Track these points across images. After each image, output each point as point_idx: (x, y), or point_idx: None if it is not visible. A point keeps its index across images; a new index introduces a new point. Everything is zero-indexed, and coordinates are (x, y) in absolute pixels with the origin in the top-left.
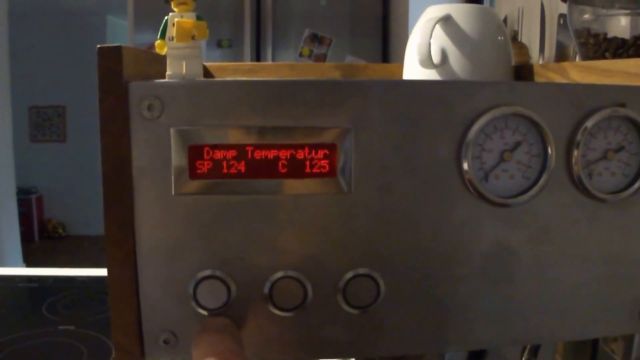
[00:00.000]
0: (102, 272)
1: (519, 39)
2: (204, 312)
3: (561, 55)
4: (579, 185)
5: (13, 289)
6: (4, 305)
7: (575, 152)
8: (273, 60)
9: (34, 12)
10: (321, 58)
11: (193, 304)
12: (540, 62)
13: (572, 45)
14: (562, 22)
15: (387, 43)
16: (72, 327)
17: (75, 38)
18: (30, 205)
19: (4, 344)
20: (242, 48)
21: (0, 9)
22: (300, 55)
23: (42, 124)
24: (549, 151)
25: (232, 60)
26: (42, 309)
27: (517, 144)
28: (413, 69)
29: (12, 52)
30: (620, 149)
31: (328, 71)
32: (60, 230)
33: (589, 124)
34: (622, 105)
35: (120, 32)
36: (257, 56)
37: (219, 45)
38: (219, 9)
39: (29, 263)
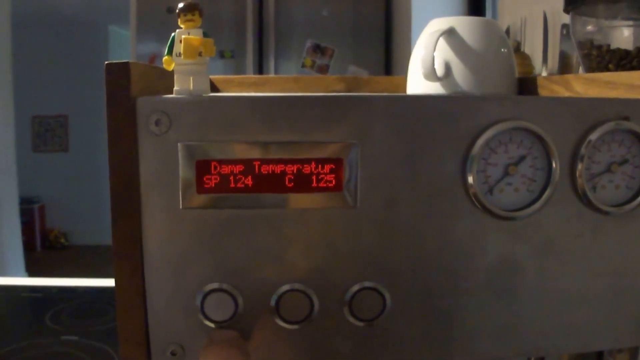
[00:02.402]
0: (106, 282)
1: (522, 50)
2: (211, 325)
3: (564, 65)
4: (583, 198)
5: (16, 299)
6: (7, 315)
7: (580, 166)
8: (275, 70)
9: (36, 22)
10: (324, 69)
11: (200, 316)
12: (544, 72)
13: (576, 55)
14: (564, 32)
15: (389, 53)
16: (75, 338)
17: (78, 48)
18: (33, 215)
19: (7, 354)
20: (244, 59)
21: (4, 19)
22: (303, 65)
23: (44, 134)
24: (553, 165)
25: (235, 71)
26: (46, 319)
27: (522, 158)
28: (417, 82)
29: (15, 62)
30: (624, 161)
31: (332, 84)
32: (63, 240)
33: (592, 137)
34: (626, 118)
35: (123, 42)
36: (260, 67)
37: (222, 55)
38: (222, 19)
39: (31, 273)
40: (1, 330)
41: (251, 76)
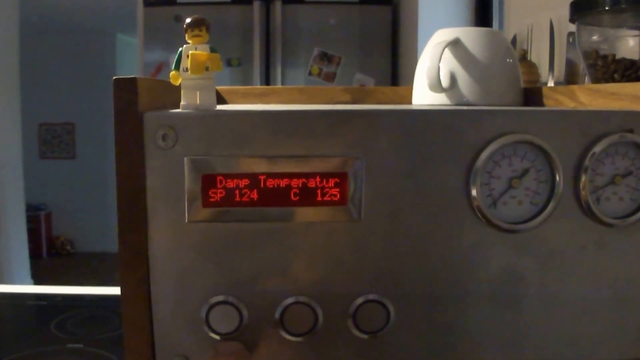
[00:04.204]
0: (111, 290)
1: (529, 58)
2: (216, 337)
3: (571, 73)
4: (586, 210)
5: (22, 307)
6: (13, 323)
7: (583, 178)
8: (282, 78)
9: (44, 30)
10: (331, 76)
11: (205, 328)
12: (550, 80)
13: (582, 64)
14: (571, 40)
15: (396, 61)
16: (80, 346)
17: (86, 56)
18: (39, 222)
19: None
20: (251, 66)
21: (12, 27)
22: (310, 73)
23: (51, 141)
24: (557, 177)
25: (242, 79)
26: (51, 327)
27: (525, 171)
28: (422, 93)
29: (23, 69)
30: (627, 174)
31: (338, 95)
32: (69, 247)
33: (596, 149)
34: (630, 130)
35: (130, 50)
36: (267, 75)
37: (229, 63)
38: (229, 27)
39: (37, 280)
40: (7, 338)
41: (257, 87)
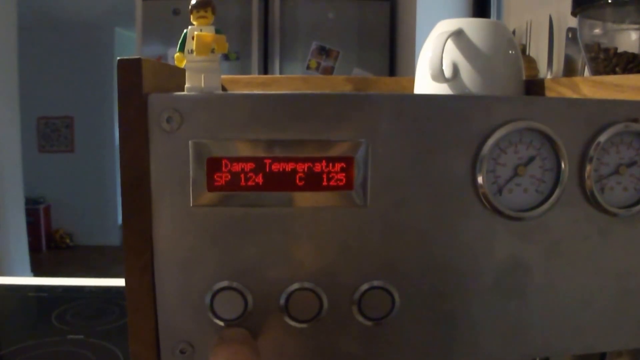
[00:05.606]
0: (111, 282)
1: (527, 53)
2: (221, 323)
3: (569, 69)
4: (591, 199)
5: (23, 299)
6: (13, 315)
7: (588, 167)
8: (280, 72)
9: (42, 24)
10: (328, 70)
11: (210, 314)
12: (548, 75)
13: (580, 59)
14: (570, 35)
15: (394, 56)
16: (81, 337)
17: (84, 50)
18: (38, 215)
19: (13, 353)
20: (249, 60)
21: (10, 22)
22: (308, 67)
23: (50, 135)
24: (562, 166)
25: (239, 73)
26: (52, 318)
27: (531, 159)
28: (424, 83)
29: (21, 64)
30: (632, 163)
31: (340, 84)
32: (68, 240)
33: (601, 139)
34: (635, 120)
35: (129, 44)
36: (265, 68)
37: (226, 57)
38: (227, 21)
39: (36, 273)
40: (8, 329)
41: (259, 76)
